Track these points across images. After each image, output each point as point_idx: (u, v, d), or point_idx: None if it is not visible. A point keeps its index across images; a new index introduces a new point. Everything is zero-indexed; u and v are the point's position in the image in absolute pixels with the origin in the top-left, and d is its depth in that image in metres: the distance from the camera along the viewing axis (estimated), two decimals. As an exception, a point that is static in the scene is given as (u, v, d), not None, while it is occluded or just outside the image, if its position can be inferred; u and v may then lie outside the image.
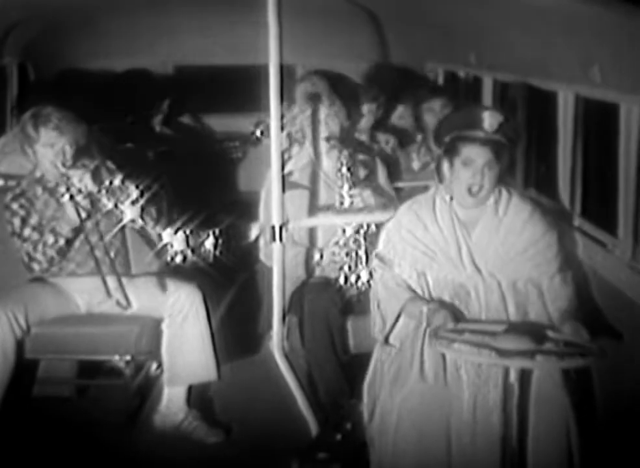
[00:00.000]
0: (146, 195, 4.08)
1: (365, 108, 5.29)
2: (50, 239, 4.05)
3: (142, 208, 4.07)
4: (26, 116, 4.12)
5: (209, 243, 4.70)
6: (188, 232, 4.47)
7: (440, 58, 6.28)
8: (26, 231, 4.09)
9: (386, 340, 3.45)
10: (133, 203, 4.03)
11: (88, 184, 3.99)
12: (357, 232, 4.19)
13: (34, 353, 4.07)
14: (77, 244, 4.12)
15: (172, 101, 6.11)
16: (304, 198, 4.39)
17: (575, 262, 3.78)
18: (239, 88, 6.22)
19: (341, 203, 4.29)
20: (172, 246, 4.38)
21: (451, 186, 3.43)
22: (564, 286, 3.42)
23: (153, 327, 4.07)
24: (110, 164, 4.21)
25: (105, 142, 4.71)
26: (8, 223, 4.13)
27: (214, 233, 4.73)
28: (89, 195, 4.03)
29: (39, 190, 4.16)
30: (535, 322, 3.31)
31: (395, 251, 3.49)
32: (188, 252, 4.48)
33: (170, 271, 4.36)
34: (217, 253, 4.72)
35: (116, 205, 4.03)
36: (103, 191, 4.00)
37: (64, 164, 4.04)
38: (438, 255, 3.41)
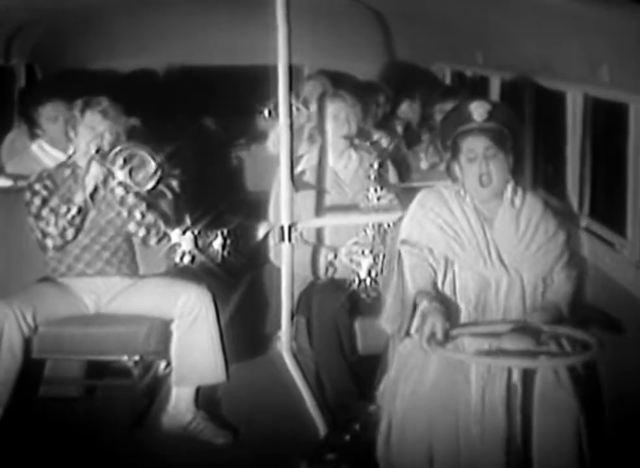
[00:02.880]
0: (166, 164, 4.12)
1: (373, 105, 5.30)
2: (62, 209, 4.06)
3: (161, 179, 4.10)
4: (78, 101, 4.15)
5: (217, 243, 4.70)
6: (196, 232, 4.47)
7: (447, 58, 6.28)
8: (44, 212, 4.08)
9: (407, 332, 3.34)
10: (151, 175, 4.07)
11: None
12: (378, 232, 4.16)
13: (42, 353, 4.06)
14: (89, 217, 4.12)
15: (178, 102, 6.11)
16: (315, 198, 4.38)
17: (580, 262, 3.77)
18: (246, 88, 6.23)
19: (367, 200, 4.28)
20: (180, 246, 4.39)
21: (465, 185, 3.43)
22: (564, 284, 3.41)
23: (162, 327, 4.06)
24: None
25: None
26: (27, 204, 4.12)
27: (222, 233, 4.73)
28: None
29: (66, 174, 4.17)
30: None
31: (427, 235, 3.38)
32: (197, 252, 4.48)
33: (178, 271, 4.37)
34: (225, 253, 4.72)
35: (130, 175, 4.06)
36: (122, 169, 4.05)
37: (98, 149, 4.05)
38: (465, 244, 3.35)
